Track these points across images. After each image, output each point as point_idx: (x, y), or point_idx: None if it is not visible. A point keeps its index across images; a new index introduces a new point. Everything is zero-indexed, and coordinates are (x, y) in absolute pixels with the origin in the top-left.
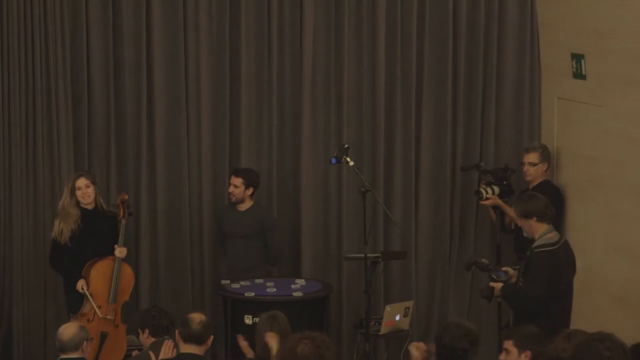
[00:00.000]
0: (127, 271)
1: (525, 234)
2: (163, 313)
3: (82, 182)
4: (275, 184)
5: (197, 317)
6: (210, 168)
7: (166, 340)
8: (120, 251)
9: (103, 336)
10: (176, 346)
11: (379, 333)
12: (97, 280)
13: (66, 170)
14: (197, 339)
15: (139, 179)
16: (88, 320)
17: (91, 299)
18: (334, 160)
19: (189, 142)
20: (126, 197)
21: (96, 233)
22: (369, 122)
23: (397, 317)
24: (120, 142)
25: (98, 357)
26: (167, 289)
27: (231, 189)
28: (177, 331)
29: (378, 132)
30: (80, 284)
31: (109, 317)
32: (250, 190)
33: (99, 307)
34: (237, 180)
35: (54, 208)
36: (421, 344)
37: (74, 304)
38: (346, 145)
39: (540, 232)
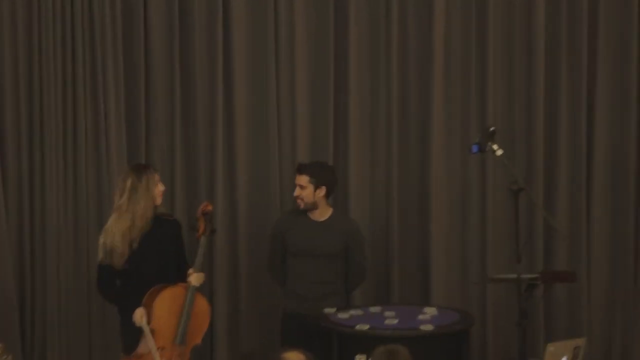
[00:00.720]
0: (202, 305)
1: None
2: None
3: (158, 178)
4: (395, 185)
5: (293, 359)
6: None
7: None
8: (197, 278)
9: None
10: None
11: None
12: (162, 313)
13: (116, 165)
14: None
15: (212, 180)
16: None
17: (150, 338)
18: (475, 148)
19: (280, 134)
20: (211, 207)
21: (158, 247)
22: (523, 99)
23: None
24: (187, 132)
25: None
26: (252, 327)
27: (297, 191)
28: None
29: (535, 113)
30: (140, 315)
31: None
32: (323, 191)
33: (162, 349)
34: (303, 179)
35: (100, 213)
36: None
37: (130, 341)
38: (492, 129)
39: None
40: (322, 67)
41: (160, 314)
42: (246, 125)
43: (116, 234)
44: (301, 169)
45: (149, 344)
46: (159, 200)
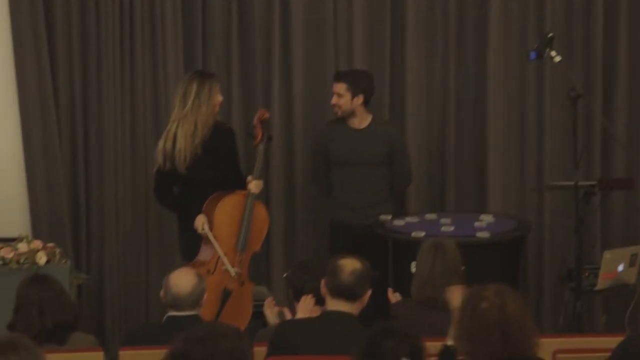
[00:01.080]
0: (261, 212)
1: None
2: (303, 269)
3: (219, 87)
4: (452, 93)
5: (349, 265)
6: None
7: (305, 296)
8: (256, 185)
9: (226, 295)
10: (319, 302)
11: (595, 288)
12: (224, 220)
13: (174, 72)
14: (348, 294)
15: (269, 88)
16: (208, 272)
17: (216, 244)
18: (533, 55)
19: (336, 37)
20: (267, 115)
21: (217, 155)
22: (579, 4)
23: (620, 267)
24: (243, 37)
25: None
26: (307, 237)
27: (334, 99)
28: (322, 282)
29: (594, 18)
30: (201, 222)
31: (236, 269)
32: (361, 99)
33: (225, 255)
34: (340, 87)
35: (157, 124)
36: None
37: (190, 249)
38: (550, 35)
39: None
40: None
41: (222, 221)
42: (302, 36)
43: (179, 137)
44: (338, 77)
45: (216, 248)
46: (216, 109)
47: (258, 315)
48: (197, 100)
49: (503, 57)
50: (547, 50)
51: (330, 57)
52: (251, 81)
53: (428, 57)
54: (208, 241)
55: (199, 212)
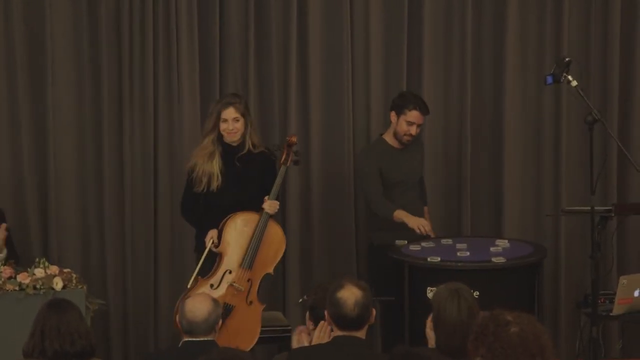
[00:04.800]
0: (276, 233)
1: None
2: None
3: (230, 113)
4: (468, 115)
5: (351, 297)
6: (380, 93)
7: (322, 322)
8: (270, 205)
9: (226, 309)
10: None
11: (611, 314)
12: (232, 236)
13: (188, 95)
14: (356, 325)
15: (285, 114)
16: (211, 287)
17: (201, 263)
18: (549, 80)
19: (353, 64)
20: (295, 139)
21: (242, 179)
22: (597, 30)
23: (636, 293)
24: (261, 61)
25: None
26: (323, 258)
27: (416, 130)
28: (326, 312)
29: (611, 43)
30: (209, 237)
31: (236, 285)
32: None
33: (229, 272)
34: (424, 119)
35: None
36: None
37: (205, 265)
38: (567, 59)
39: None
40: (395, 9)
41: (230, 237)
42: (320, 60)
43: (207, 157)
44: (428, 110)
45: (198, 264)
46: (230, 137)
47: (273, 340)
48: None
49: (520, 82)
50: (564, 74)
51: (347, 80)
52: (268, 106)
53: (444, 83)
54: (219, 257)
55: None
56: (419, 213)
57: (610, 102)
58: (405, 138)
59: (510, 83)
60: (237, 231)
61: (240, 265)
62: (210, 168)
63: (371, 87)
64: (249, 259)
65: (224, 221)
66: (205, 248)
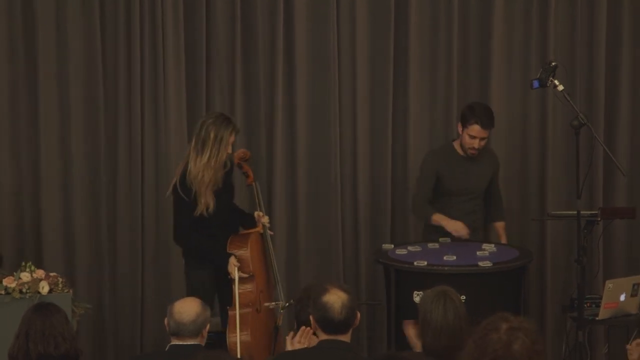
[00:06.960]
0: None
1: None
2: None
3: (233, 138)
4: (454, 119)
5: (337, 300)
6: (367, 94)
7: (303, 327)
8: (267, 219)
9: (276, 330)
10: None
11: (597, 318)
12: (258, 257)
13: (175, 112)
14: (342, 329)
15: (271, 116)
16: (257, 311)
17: (254, 283)
18: (536, 84)
19: (339, 65)
20: (248, 154)
21: (228, 197)
22: (583, 35)
23: (622, 297)
24: (248, 62)
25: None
26: (310, 263)
27: (480, 143)
28: (312, 317)
29: (597, 48)
30: (233, 264)
31: (270, 305)
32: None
33: (262, 292)
34: (488, 132)
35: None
36: None
37: (225, 293)
38: (553, 64)
39: None
40: (381, 13)
41: (256, 259)
42: (306, 62)
43: (205, 180)
44: (493, 124)
45: (252, 290)
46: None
47: None
48: (216, 145)
49: (506, 86)
50: (551, 79)
51: (333, 87)
52: (254, 107)
53: (431, 87)
54: (244, 282)
55: (218, 253)
56: (477, 225)
57: (596, 107)
58: (470, 151)
59: (497, 87)
60: (258, 251)
61: (271, 282)
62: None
63: (358, 89)
64: (276, 274)
65: (236, 244)
66: (231, 277)
